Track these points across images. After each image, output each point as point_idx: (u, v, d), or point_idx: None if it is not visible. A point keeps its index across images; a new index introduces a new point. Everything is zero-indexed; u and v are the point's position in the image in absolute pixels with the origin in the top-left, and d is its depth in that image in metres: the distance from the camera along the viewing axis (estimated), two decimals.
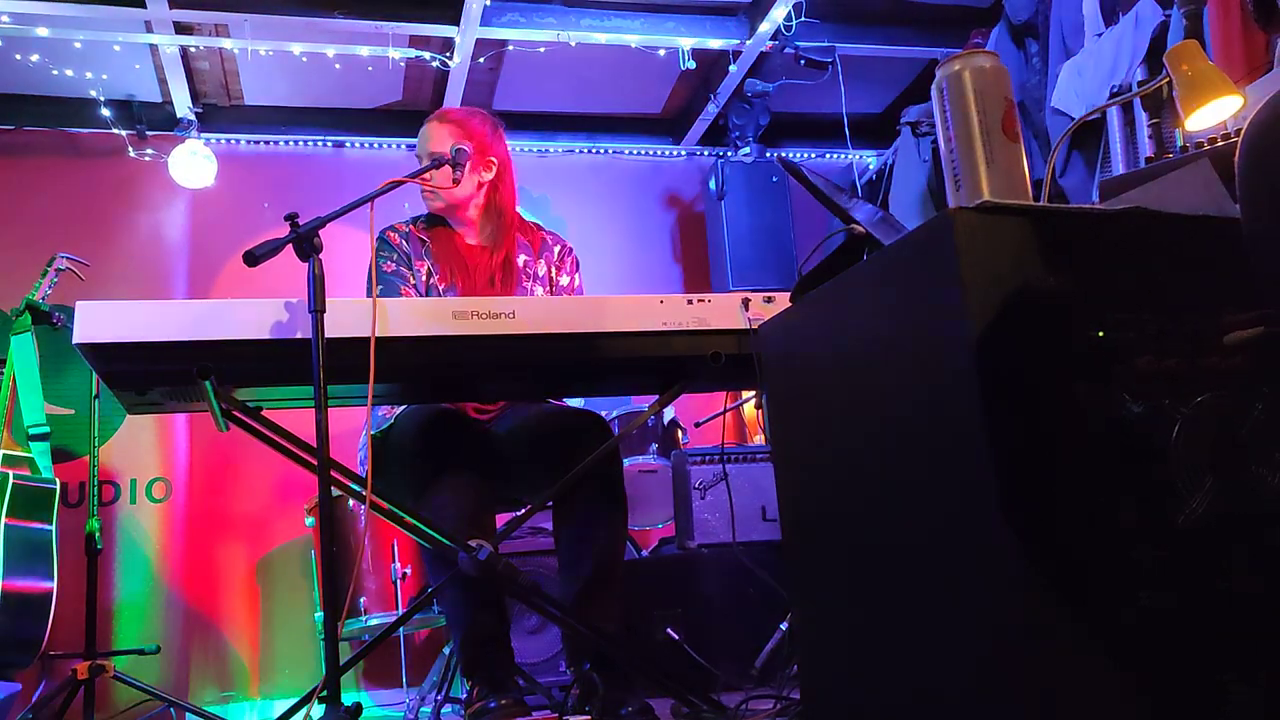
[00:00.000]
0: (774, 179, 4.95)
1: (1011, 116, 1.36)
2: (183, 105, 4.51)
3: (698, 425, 4.18)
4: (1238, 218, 1.10)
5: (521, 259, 2.59)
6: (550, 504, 2.41)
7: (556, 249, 2.66)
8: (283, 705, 3.92)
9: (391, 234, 2.55)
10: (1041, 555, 1.10)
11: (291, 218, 1.87)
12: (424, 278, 2.50)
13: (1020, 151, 1.35)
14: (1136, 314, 1.18)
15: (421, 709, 3.32)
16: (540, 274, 2.61)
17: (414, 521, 2.16)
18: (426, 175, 2.39)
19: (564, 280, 2.63)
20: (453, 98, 4.57)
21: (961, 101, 1.36)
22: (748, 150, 4.95)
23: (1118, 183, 1.85)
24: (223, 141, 4.74)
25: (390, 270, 2.48)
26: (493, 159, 2.58)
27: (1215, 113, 1.98)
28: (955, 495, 1.17)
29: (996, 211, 1.20)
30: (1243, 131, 1.08)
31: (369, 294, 2.47)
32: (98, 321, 1.85)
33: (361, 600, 3.34)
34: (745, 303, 2.12)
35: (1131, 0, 3.39)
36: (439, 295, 2.47)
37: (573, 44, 4.30)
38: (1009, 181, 1.33)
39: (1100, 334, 1.17)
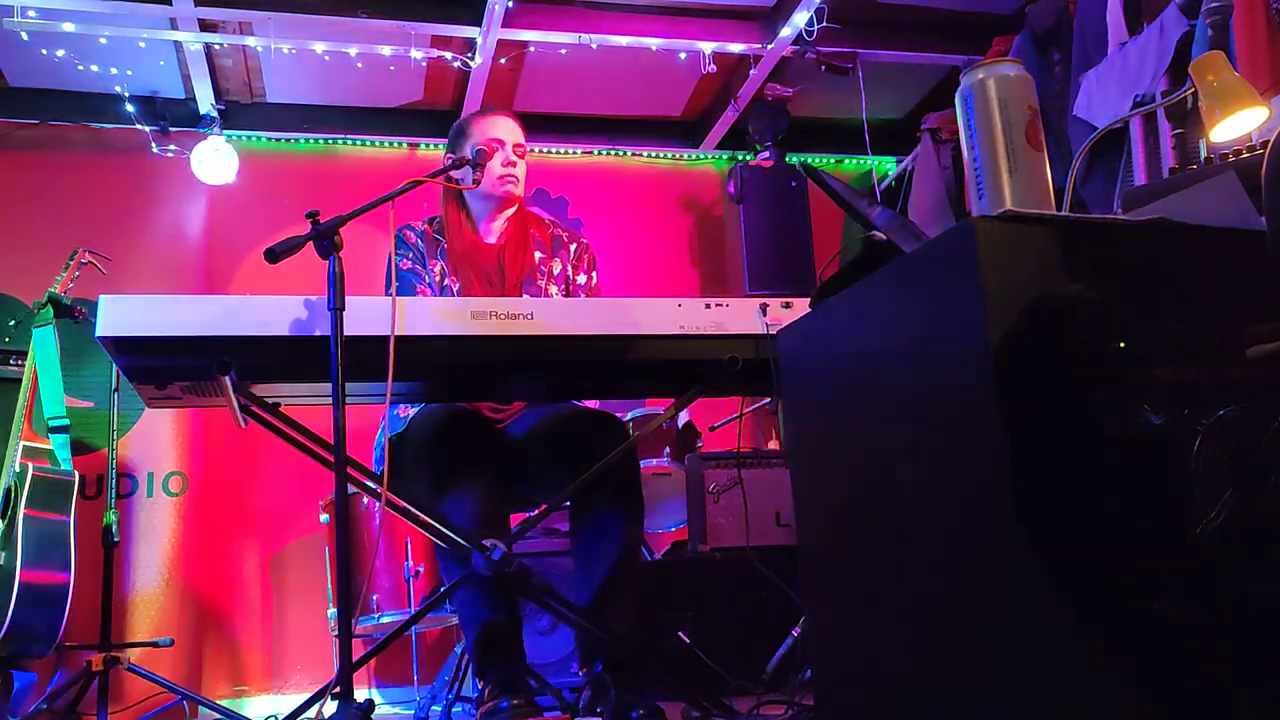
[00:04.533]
0: (793, 184, 4.94)
1: (1035, 125, 1.35)
2: (206, 102, 4.54)
3: (712, 429, 4.17)
4: (1263, 230, 1.09)
5: (537, 255, 2.61)
6: (566, 505, 2.41)
7: (573, 247, 2.67)
8: (295, 700, 3.93)
9: (408, 233, 2.58)
10: (1058, 564, 1.09)
11: (312, 215, 1.88)
12: (438, 277, 2.52)
13: (1044, 160, 1.35)
14: (1159, 325, 1.18)
15: (432, 707, 3.33)
16: (556, 272, 2.62)
17: (429, 520, 2.17)
18: (457, 172, 2.41)
19: (581, 279, 2.64)
20: (473, 98, 4.59)
21: (986, 109, 1.36)
22: (767, 155, 4.94)
23: (1141, 193, 1.84)
24: (245, 139, 4.77)
25: (407, 268, 2.50)
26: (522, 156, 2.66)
27: (1240, 124, 1.97)
28: (972, 503, 1.17)
29: (1019, 220, 1.19)
30: (1269, 144, 1.08)
31: (386, 290, 2.50)
32: (120, 315, 1.86)
33: (374, 598, 3.35)
34: (763, 307, 2.12)
35: (1156, 9, 3.37)
36: (453, 295, 2.49)
37: (594, 46, 4.30)
38: (1032, 190, 1.33)
39: (1122, 344, 1.16)
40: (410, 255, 2.53)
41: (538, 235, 2.65)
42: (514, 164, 2.58)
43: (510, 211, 2.64)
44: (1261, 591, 1.16)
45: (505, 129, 2.61)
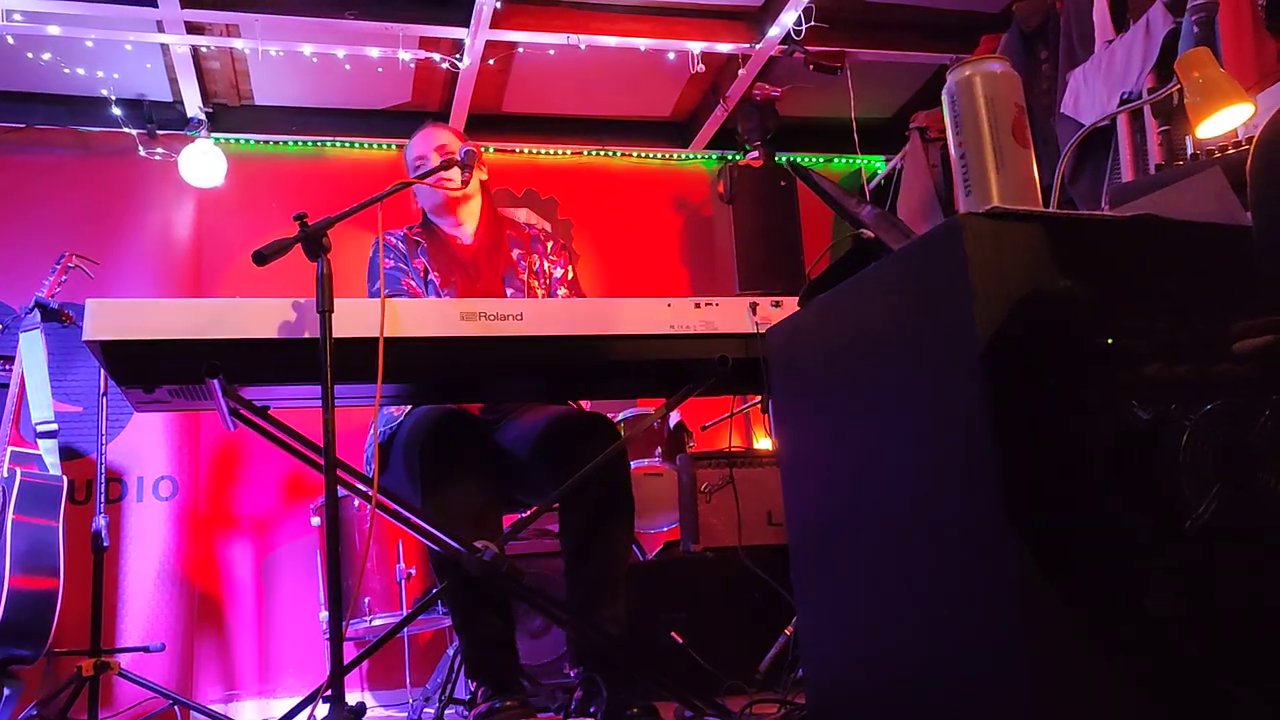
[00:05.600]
0: (782, 183, 4.94)
1: (1022, 122, 1.36)
2: (193, 105, 4.52)
3: (704, 429, 4.18)
4: (1248, 225, 1.09)
5: (515, 253, 2.63)
6: (556, 506, 2.41)
7: (549, 244, 2.69)
8: (286, 704, 3.92)
9: (387, 237, 2.59)
10: (1048, 561, 1.09)
11: (300, 217, 1.88)
12: (422, 274, 2.53)
13: (1030, 157, 1.35)
14: (1146, 321, 1.18)
15: (425, 710, 3.32)
16: (535, 267, 2.63)
17: (420, 522, 2.16)
18: (441, 173, 2.41)
19: (558, 272, 2.65)
20: (462, 99, 4.58)
21: (972, 107, 1.36)
22: (756, 154, 4.94)
23: (1128, 189, 1.85)
24: (232, 141, 4.75)
25: (390, 266, 2.52)
26: (483, 161, 2.67)
27: (1226, 120, 1.98)
28: (962, 500, 1.17)
29: (1006, 217, 1.20)
30: (1254, 139, 1.08)
31: (369, 290, 2.50)
32: (107, 319, 1.85)
33: (366, 600, 3.35)
34: (753, 306, 2.12)
35: (1142, 7, 3.39)
36: (438, 292, 2.50)
37: (582, 46, 4.30)
38: (1019, 187, 1.33)
39: (1109, 340, 1.16)
40: (392, 256, 2.55)
41: (513, 235, 2.67)
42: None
43: (475, 211, 2.65)
44: (1251, 587, 1.17)
45: (423, 142, 2.67)
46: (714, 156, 5.32)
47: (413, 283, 2.51)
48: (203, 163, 4.46)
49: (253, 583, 4.40)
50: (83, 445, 4.11)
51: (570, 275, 2.67)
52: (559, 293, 2.63)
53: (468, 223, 2.66)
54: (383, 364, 1.87)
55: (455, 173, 2.44)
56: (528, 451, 2.43)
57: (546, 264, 2.65)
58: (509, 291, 2.54)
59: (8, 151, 4.51)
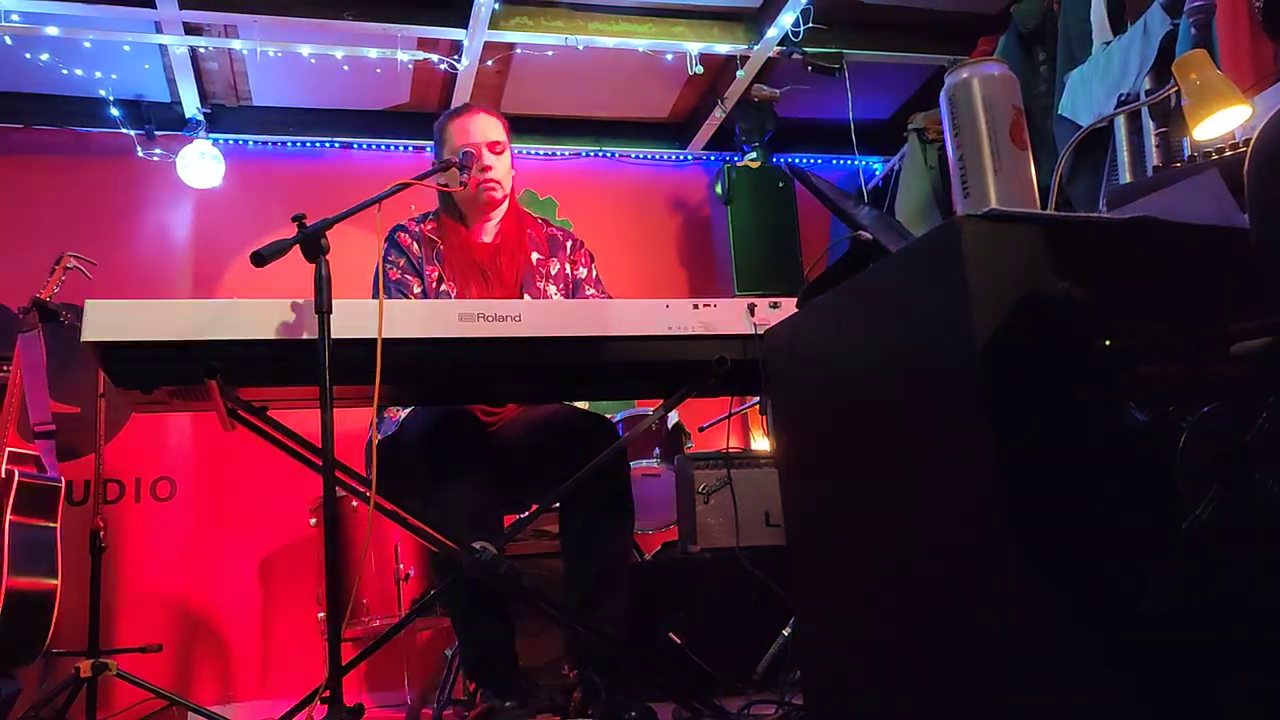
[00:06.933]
0: (780, 184, 4.95)
1: (1020, 124, 1.36)
2: (191, 105, 4.52)
3: (702, 430, 4.18)
4: (1246, 228, 1.10)
5: (535, 256, 2.60)
6: (556, 506, 2.41)
7: (569, 244, 2.66)
8: (284, 705, 3.91)
9: (402, 235, 2.54)
10: (1045, 562, 1.10)
11: (299, 218, 1.88)
12: (433, 284, 2.49)
13: (1028, 159, 1.35)
14: (1143, 323, 1.18)
15: (423, 710, 3.32)
16: (554, 272, 2.60)
17: (418, 523, 2.16)
18: (448, 171, 2.39)
19: (582, 273, 2.62)
20: (460, 101, 4.58)
21: (970, 109, 1.36)
22: (754, 155, 4.95)
23: (1125, 191, 1.85)
24: (231, 142, 4.75)
25: (395, 278, 2.47)
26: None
27: (1223, 122, 1.98)
28: (959, 502, 1.17)
29: (1004, 219, 1.20)
30: (1251, 141, 1.08)
31: (374, 294, 2.48)
32: (105, 320, 1.85)
33: (364, 601, 3.35)
34: (751, 308, 2.12)
35: (1140, 9, 3.39)
36: (450, 299, 2.47)
37: (580, 48, 4.30)
38: (1017, 189, 1.33)
39: (1107, 342, 1.16)
40: (401, 263, 2.50)
41: (534, 235, 2.63)
42: (490, 167, 2.54)
43: (502, 210, 2.62)
44: (1247, 587, 1.17)
45: (478, 129, 2.55)
46: (712, 158, 5.32)
47: (417, 297, 2.47)
48: (201, 164, 4.46)
49: (250, 584, 4.39)
50: (81, 446, 4.11)
51: (594, 275, 2.64)
52: (587, 293, 2.60)
53: (494, 220, 2.62)
54: (381, 365, 1.87)
55: (453, 174, 2.42)
56: (527, 452, 2.43)
57: (567, 266, 2.62)
58: (526, 297, 2.51)
59: (6, 152, 4.51)
